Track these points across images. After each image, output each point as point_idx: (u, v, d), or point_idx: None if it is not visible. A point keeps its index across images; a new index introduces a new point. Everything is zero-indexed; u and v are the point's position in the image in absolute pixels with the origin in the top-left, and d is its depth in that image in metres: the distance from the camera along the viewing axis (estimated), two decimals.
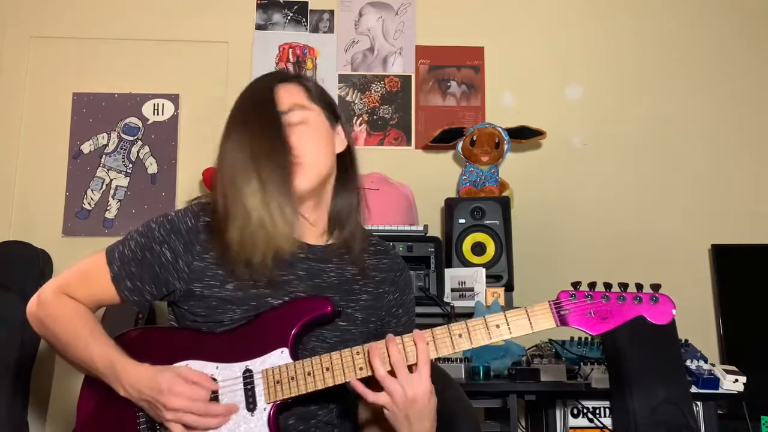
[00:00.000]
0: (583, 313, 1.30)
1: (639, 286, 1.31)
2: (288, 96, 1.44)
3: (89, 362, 1.37)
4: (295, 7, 3.24)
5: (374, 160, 2.98)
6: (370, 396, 1.30)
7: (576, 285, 1.32)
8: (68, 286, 1.44)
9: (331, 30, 3.24)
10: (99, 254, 1.44)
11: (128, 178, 3.08)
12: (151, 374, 1.33)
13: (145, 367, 1.35)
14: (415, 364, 1.30)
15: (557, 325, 1.31)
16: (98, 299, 1.44)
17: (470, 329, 1.33)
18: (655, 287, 1.30)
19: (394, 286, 1.54)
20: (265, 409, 1.35)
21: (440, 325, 1.35)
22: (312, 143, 1.42)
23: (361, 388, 1.30)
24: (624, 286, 1.31)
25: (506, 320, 1.32)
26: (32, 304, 1.45)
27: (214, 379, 1.37)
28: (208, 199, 1.47)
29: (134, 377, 1.33)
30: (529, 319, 1.31)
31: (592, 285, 1.31)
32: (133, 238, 1.44)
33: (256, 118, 1.40)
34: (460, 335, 1.33)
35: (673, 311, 1.29)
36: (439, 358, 2.28)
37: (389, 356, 1.29)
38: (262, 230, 1.33)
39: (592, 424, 2.43)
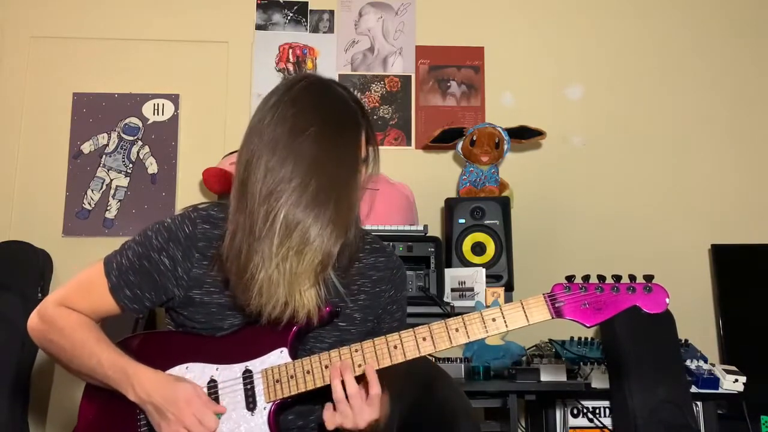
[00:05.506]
0: (577, 304, 1.31)
1: (632, 277, 1.32)
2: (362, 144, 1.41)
3: (96, 370, 1.38)
4: (295, 7, 3.24)
5: None
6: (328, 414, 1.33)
7: (570, 278, 1.33)
8: (68, 299, 1.44)
9: (331, 30, 3.24)
10: (97, 265, 1.45)
11: (128, 178, 3.08)
12: (167, 382, 1.35)
13: (158, 372, 1.37)
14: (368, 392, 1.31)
15: (552, 317, 1.31)
16: (98, 310, 1.44)
17: (467, 323, 1.34)
18: (648, 278, 1.31)
19: (390, 283, 1.55)
20: (265, 408, 1.36)
21: None
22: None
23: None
24: (617, 277, 1.32)
25: (502, 314, 1.33)
26: (33, 320, 1.45)
27: (214, 380, 1.38)
28: (205, 207, 1.47)
29: (147, 382, 1.34)
30: (525, 312, 1.32)
31: (586, 277, 1.32)
32: (130, 248, 1.44)
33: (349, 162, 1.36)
34: (456, 329, 1.34)
35: (667, 300, 1.30)
36: (439, 358, 2.30)
37: (346, 387, 1.30)
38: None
39: (592, 424, 2.43)
